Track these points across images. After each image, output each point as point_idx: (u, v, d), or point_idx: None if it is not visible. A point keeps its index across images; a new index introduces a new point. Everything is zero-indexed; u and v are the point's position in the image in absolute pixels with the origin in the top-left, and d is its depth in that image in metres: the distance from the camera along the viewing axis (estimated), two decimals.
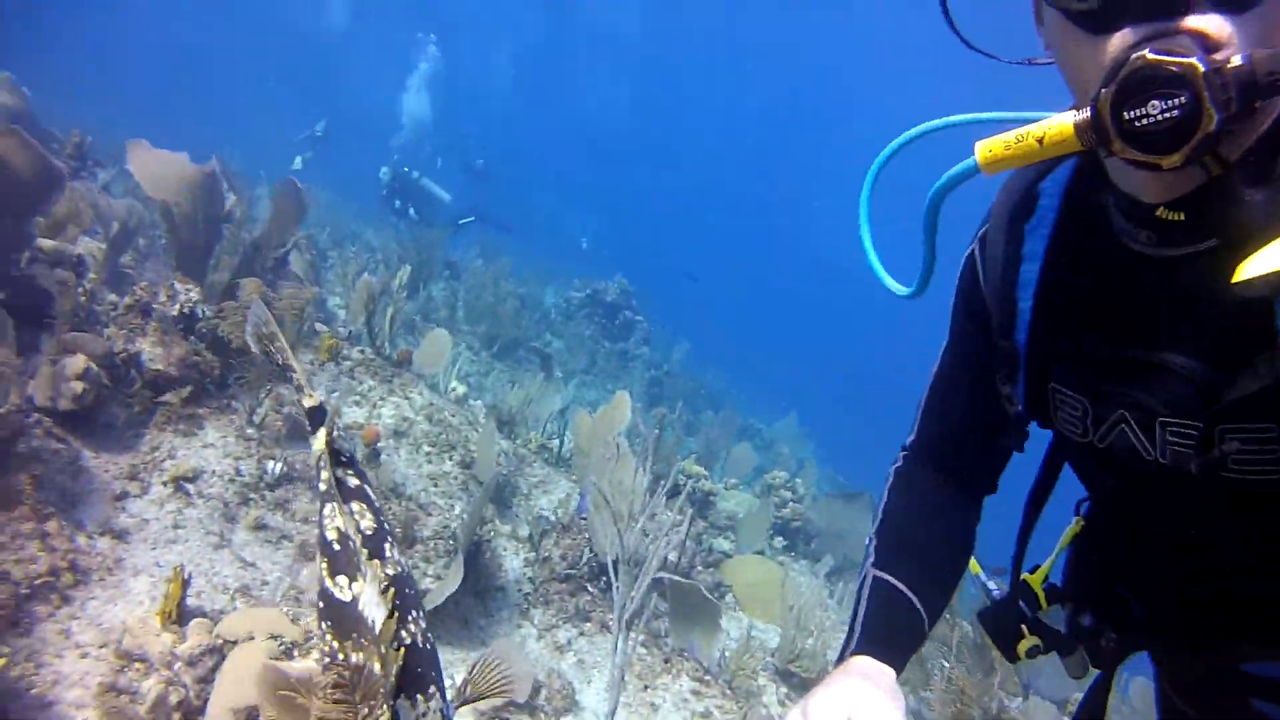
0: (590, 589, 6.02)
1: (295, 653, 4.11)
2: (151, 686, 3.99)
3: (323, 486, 2.35)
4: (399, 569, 2.26)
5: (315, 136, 18.09)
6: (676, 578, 5.59)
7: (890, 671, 1.64)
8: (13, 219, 5.32)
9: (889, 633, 1.75)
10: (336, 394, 6.37)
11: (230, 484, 5.27)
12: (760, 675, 6.17)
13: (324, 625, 2.05)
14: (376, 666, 1.84)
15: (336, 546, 2.14)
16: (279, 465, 5.38)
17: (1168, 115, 1.19)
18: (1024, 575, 2.02)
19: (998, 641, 2.03)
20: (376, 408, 6.45)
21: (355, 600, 2.00)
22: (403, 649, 1.94)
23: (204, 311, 5.74)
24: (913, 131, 1.92)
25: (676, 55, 47.59)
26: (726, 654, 6.02)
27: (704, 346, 18.32)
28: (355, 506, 2.32)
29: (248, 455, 5.44)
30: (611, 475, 5.74)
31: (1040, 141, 1.33)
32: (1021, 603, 2.00)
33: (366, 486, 2.47)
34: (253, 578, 4.90)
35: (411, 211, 14.06)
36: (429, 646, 2.17)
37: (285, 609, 4.46)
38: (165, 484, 5.14)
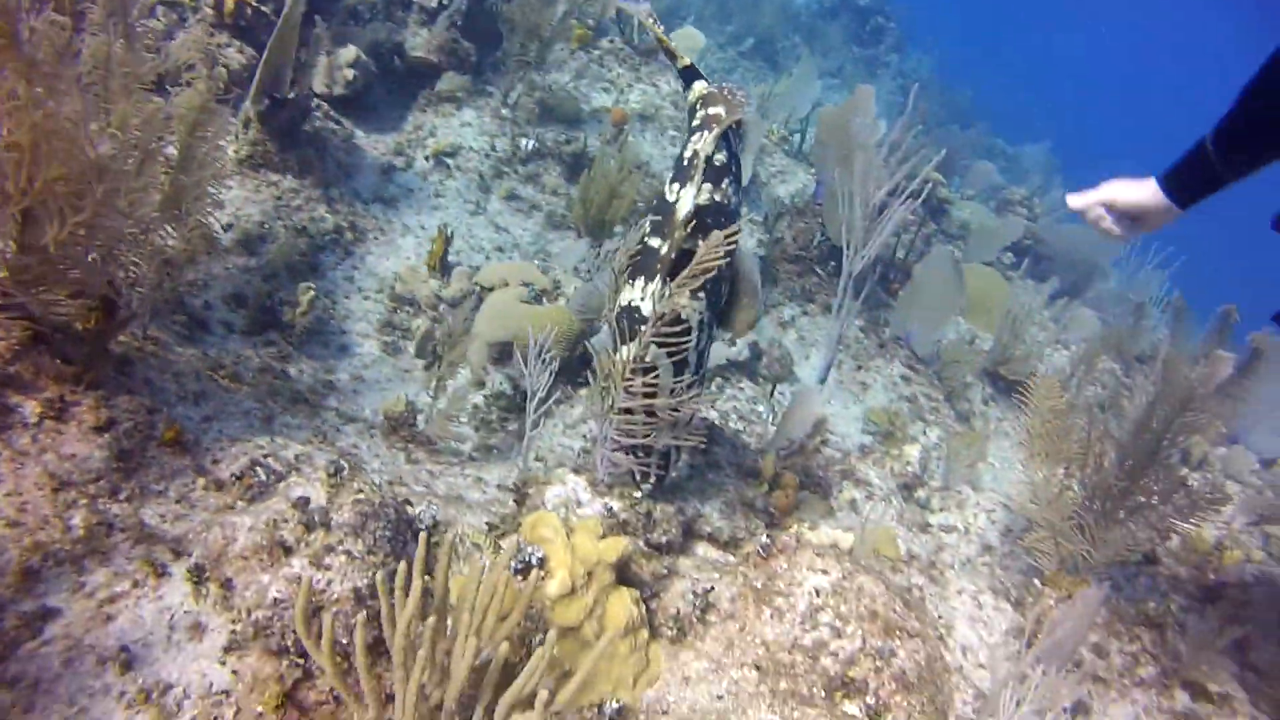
0: (818, 271, 6.14)
1: (544, 299, 4.57)
2: (420, 324, 4.59)
3: (696, 122, 2.95)
4: (727, 201, 2.79)
5: None
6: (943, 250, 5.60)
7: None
8: None
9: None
10: (585, 80, 6.59)
11: (486, 159, 5.69)
12: (969, 374, 6.20)
13: (649, 220, 2.83)
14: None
15: (684, 163, 2.74)
16: (531, 143, 5.72)
17: None
18: None
19: None
20: (624, 93, 6.62)
21: (676, 202, 2.70)
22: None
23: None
24: None
25: None
26: (940, 347, 6.08)
27: (955, 61, 17.04)
28: (717, 147, 2.80)
29: (501, 134, 5.81)
30: (850, 167, 5.70)
31: None
32: None
33: (732, 138, 2.98)
34: (505, 240, 5.39)
35: None
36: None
37: (536, 263, 4.92)
38: (427, 159, 5.62)
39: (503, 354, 4.38)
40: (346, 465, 2.56)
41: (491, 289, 4.55)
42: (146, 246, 3.42)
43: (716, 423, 4.27)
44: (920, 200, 5.98)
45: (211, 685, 2.23)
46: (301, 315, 4.30)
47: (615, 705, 2.30)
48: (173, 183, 3.76)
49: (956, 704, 3.31)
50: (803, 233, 6.00)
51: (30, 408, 2.86)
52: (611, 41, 7.06)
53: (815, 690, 2.51)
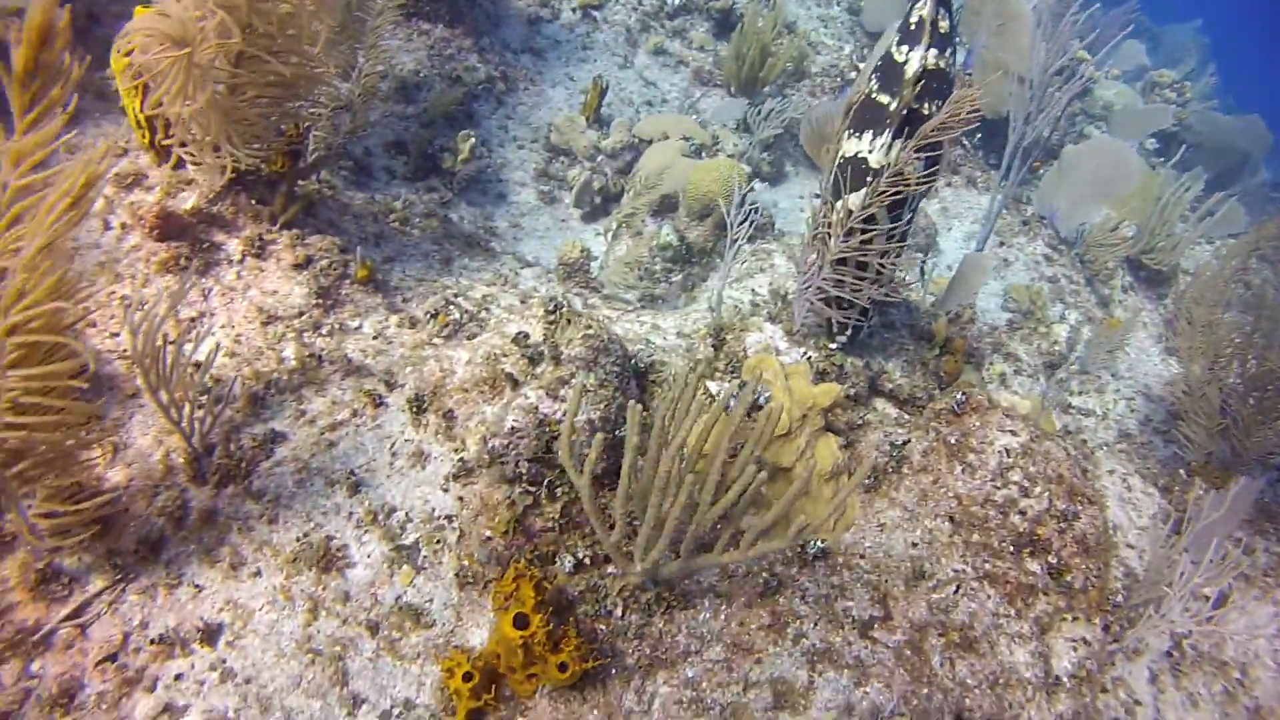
0: (964, 143, 5.90)
1: (703, 154, 4.49)
2: (576, 174, 4.57)
3: None
4: (949, 68, 2.75)
5: None
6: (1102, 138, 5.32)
7: None
8: None
9: None
10: None
11: (633, 11, 5.51)
12: (1111, 260, 5.94)
13: (874, 77, 2.78)
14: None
15: (912, 28, 2.72)
16: None
17: None
18: None
19: None
20: None
21: (905, 63, 2.67)
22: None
23: None
24: None
25: None
26: (1085, 230, 5.81)
27: None
28: (940, 14, 2.73)
29: None
30: (1005, 38, 5.39)
31: None
32: None
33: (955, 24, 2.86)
34: (654, 95, 5.26)
35: None
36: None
37: (694, 117, 4.82)
38: (574, 10, 5.47)
39: (663, 206, 4.33)
40: (565, 304, 2.59)
41: (651, 141, 4.48)
42: (323, 89, 3.45)
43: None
44: (1082, 78, 5.62)
45: (434, 510, 2.32)
46: (463, 162, 4.31)
47: (819, 545, 2.34)
48: (343, 26, 3.76)
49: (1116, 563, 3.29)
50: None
51: (234, 245, 2.95)
52: None
53: (1005, 545, 2.51)
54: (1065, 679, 2.45)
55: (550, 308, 2.52)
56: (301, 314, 2.82)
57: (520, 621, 1.94)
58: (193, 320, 2.73)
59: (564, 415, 2.15)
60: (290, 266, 2.92)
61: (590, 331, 2.44)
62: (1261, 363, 3.69)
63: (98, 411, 2.46)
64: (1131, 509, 3.88)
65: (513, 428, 2.24)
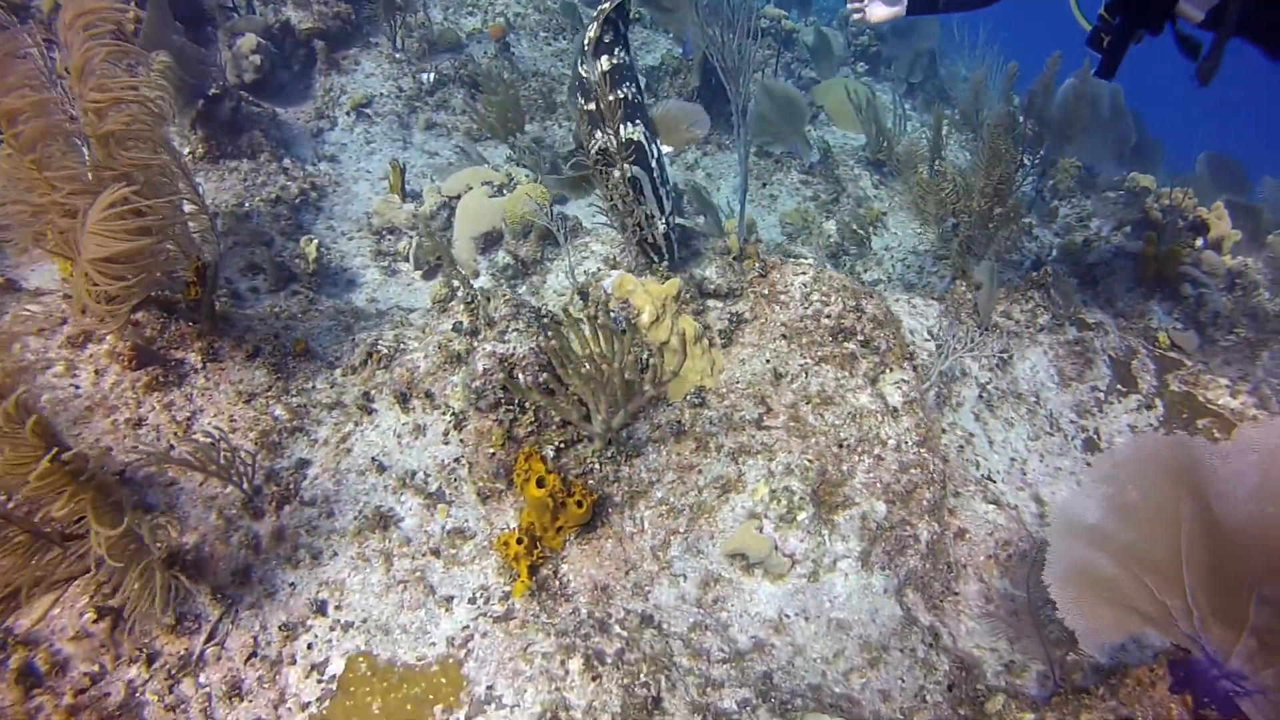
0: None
1: (504, 191, 5.46)
2: (405, 244, 5.43)
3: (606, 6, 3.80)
4: (624, 62, 3.73)
5: None
6: (769, 82, 6.66)
7: None
8: None
9: None
10: (450, 9, 7.33)
11: (398, 99, 6.45)
12: (855, 166, 7.36)
13: (578, 94, 3.67)
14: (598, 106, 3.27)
15: (586, 47, 3.65)
16: (430, 75, 6.48)
17: None
18: None
19: None
20: (488, 11, 7.41)
21: (587, 76, 3.55)
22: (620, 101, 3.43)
23: None
24: None
25: None
26: (826, 155, 7.21)
27: None
28: (602, 31, 3.70)
29: (403, 75, 6.56)
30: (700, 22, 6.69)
31: None
32: None
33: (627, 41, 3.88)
34: (439, 162, 6.20)
35: None
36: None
37: (486, 165, 5.79)
38: (348, 114, 6.35)
39: (488, 243, 5.26)
40: (479, 294, 3.51)
41: (459, 196, 5.40)
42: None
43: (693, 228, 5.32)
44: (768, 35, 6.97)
45: (443, 460, 3.19)
46: (314, 262, 5.11)
47: (698, 388, 3.38)
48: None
49: (918, 353, 4.54)
50: (683, 87, 6.96)
51: (192, 358, 3.68)
52: None
53: (825, 338, 3.64)
54: (900, 407, 3.59)
55: (469, 299, 3.44)
56: (269, 388, 3.59)
57: (540, 483, 2.84)
58: (189, 419, 3.46)
59: (514, 349, 3.08)
60: (244, 359, 3.68)
61: (508, 298, 3.38)
62: (972, 204, 5.08)
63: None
64: (920, 317, 5.18)
65: (484, 369, 3.14)
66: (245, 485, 3.14)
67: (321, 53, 6.46)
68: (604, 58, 3.72)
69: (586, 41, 3.76)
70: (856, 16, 4.20)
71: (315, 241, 5.17)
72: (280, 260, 5.10)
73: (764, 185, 6.96)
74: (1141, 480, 2.65)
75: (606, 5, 3.76)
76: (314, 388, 3.59)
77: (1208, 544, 2.54)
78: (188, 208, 3.65)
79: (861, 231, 6.05)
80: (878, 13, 4.06)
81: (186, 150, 5.56)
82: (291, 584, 3.03)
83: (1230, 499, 2.51)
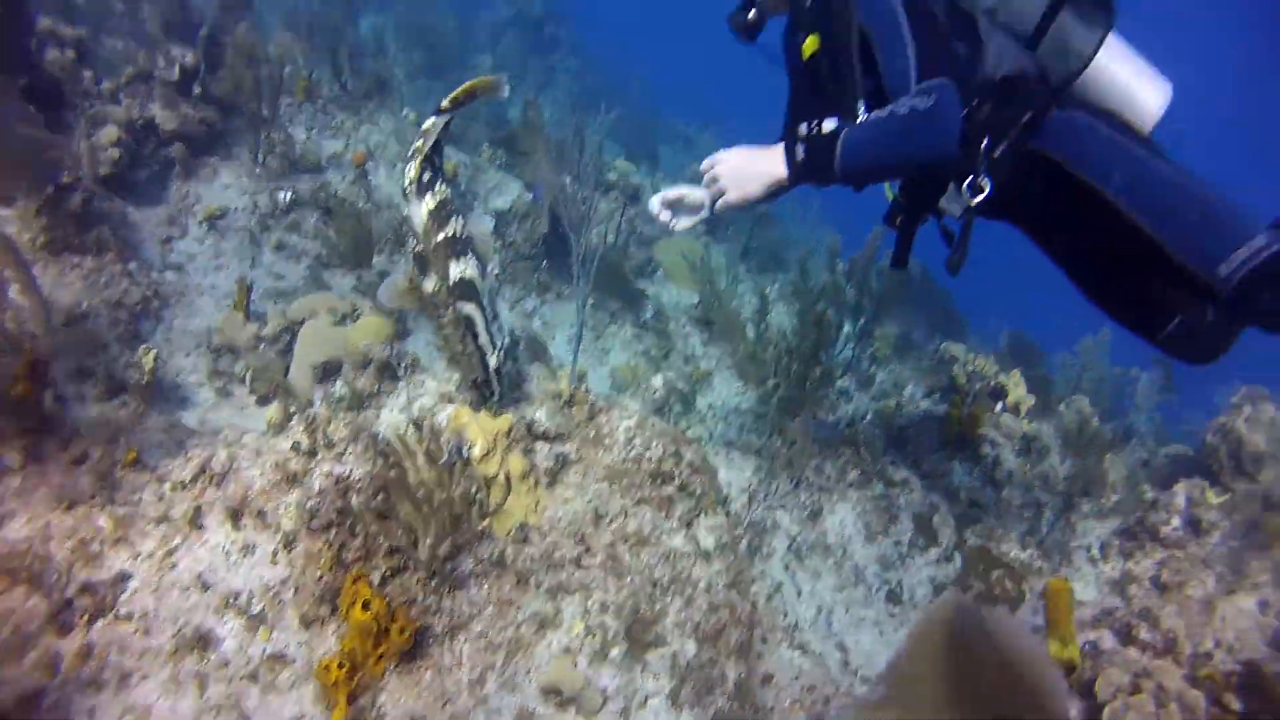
0: (547, 265, 7.57)
1: (348, 320, 5.62)
2: (244, 367, 5.47)
3: (420, 144, 4.00)
4: (448, 198, 3.92)
5: None
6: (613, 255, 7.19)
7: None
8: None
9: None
10: (315, 130, 7.56)
11: (251, 215, 6.56)
12: (686, 325, 7.94)
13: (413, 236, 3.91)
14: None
15: (408, 188, 3.91)
16: (288, 194, 6.65)
17: None
18: None
19: None
20: (350, 137, 7.68)
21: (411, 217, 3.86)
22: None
23: (202, 71, 6.74)
24: None
25: None
26: (659, 312, 7.76)
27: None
28: (421, 170, 3.93)
29: (260, 190, 6.69)
30: (552, 170, 7.18)
31: None
32: None
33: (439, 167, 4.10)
34: (285, 286, 6.32)
35: None
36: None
37: (331, 294, 5.95)
38: (200, 224, 6.41)
39: (327, 372, 5.37)
40: (318, 415, 3.63)
41: (304, 321, 5.52)
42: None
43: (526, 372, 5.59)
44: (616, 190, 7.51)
45: (268, 581, 3.26)
46: (150, 372, 5.09)
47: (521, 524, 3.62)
48: None
49: (733, 502, 4.92)
50: (530, 234, 7.37)
51: (12, 458, 3.63)
52: (330, 89, 8.02)
53: (645, 480, 3.97)
54: (711, 550, 3.94)
55: (309, 420, 3.58)
56: (94, 495, 3.58)
57: (365, 605, 2.97)
58: None
59: (351, 472, 3.23)
60: (70, 463, 3.66)
61: (346, 421, 3.54)
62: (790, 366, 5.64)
63: None
64: (736, 470, 5.58)
65: (320, 489, 3.27)
66: (54, 595, 3.11)
67: (181, 157, 6.52)
68: (426, 196, 3.95)
69: (408, 183, 3.96)
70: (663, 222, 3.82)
71: (154, 352, 5.16)
72: (113, 369, 5.05)
73: (598, 338, 7.37)
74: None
75: (420, 143, 3.99)
76: (142, 500, 3.60)
77: None
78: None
79: (687, 390, 6.51)
80: (684, 223, 3.83)
81: (27, 236, 5.47)
82: (90, 710, 2.99)
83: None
